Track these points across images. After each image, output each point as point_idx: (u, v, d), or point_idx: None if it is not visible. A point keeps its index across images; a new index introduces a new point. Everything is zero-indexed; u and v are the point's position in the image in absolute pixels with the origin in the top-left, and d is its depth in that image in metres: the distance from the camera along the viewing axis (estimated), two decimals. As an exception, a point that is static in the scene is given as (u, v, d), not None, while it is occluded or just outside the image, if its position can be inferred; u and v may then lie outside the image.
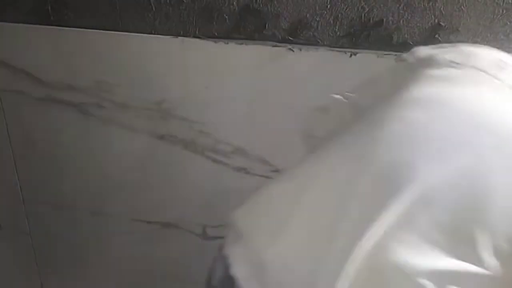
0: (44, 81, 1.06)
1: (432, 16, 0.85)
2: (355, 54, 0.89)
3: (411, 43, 0.87)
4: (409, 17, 0.86)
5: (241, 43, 0.93)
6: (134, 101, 1.03)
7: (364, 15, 0.87)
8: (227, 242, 0.55)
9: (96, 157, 1.11)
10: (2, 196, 1.22)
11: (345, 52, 0.89)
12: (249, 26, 0.93)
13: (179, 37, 0.96)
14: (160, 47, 0.97)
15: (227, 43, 0.94)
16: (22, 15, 1.01)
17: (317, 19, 0.89)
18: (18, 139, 1.14)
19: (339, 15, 0.88)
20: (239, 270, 0.50)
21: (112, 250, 1.24)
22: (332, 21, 0.89)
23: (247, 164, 1.03)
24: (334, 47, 0.91)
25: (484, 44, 0.84)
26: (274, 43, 0.93)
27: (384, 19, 0.87)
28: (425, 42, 0.87)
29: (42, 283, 1.35)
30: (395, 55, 0.88)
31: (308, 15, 0.89)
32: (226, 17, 0.93)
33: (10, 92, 1.09)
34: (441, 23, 0.85)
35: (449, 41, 0.86)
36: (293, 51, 0.91)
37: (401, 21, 0.86)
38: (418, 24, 0.86)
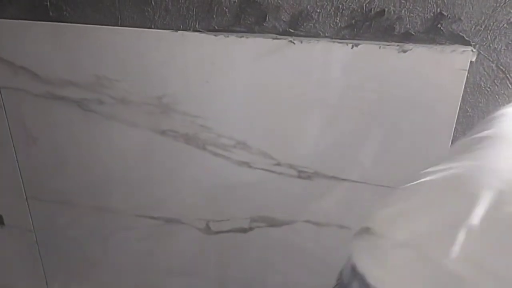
0: (44, 78, 1.05)
1: (434, 5, 0.84)
2: (356, 46, 0.88)
3: (413, 33, 0.87)
4: (411, 7, 0.85)
5: (242, 36, 0.93)
6: (134, 96, 1.03)
7: (366, 5, 0.86)
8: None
9: (98, 152, 1.11)
10: (5, 193, 1.23)
11: (347, 44, 0.89)
12: (249, 19, 0.92)
13: (179, 31, 0.95)
14: (160, 42, 0.96)
15: (227, 36, 0.93)
16: (21, 12, 1.01)
17: (318, 10, 0.89)
18: (20, 136, 1.14)
19: (340, 6, 0.87)
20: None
21: (116, 245, 1.24)
22: (333, 12, 0.88)
23: (249, 158, 1.03)
24: (335, 38, 0.90)
25: (487, 33, 0.84)
26: (275, 36, 0.92)
27: (386, 9, 0.86)
28: (427, 32, 0.86)
29: (46, 279, 1.35)
30: (397, 45, 0.87)
31: (308, 6, 0.89)
32: (226, 10, 0.92)
33: (10, 89, 1.09)
34: (443, 12, 0.84)
35: (451, 30, 0.85)
36: (294, 43, 0.91)
37: (403, 11, 0.86)
38: (420, 14, 0.85)
